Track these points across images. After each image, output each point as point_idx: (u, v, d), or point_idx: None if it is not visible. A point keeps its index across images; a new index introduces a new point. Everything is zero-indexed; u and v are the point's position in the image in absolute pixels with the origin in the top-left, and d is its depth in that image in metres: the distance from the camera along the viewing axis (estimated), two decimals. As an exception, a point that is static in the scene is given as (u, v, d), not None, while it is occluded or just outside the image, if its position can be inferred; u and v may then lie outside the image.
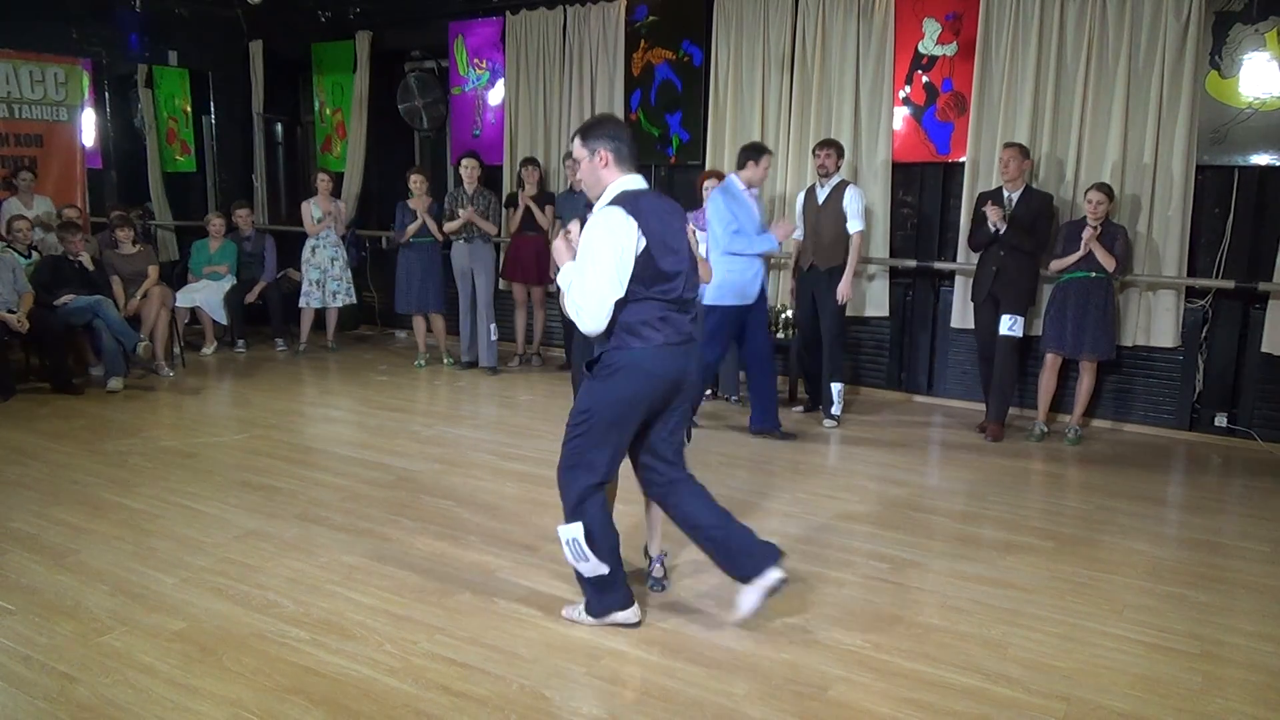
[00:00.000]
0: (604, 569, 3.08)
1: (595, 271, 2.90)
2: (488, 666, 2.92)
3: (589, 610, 3.20)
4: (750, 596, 3.11)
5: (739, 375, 6.69)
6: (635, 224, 2.91)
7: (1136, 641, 3.17)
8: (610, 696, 2.78)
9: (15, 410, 6.02)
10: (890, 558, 3.84)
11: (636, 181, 3.06)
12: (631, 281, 2.94)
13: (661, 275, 2.97)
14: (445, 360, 7.64)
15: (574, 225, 3.16)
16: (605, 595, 3.16)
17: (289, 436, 5.54)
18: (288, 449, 5.28)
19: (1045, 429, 5.71)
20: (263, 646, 3.02)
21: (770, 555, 3.10)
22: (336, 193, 9.08)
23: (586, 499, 3.05)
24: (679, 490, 3.18)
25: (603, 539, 3.06)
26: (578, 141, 3.06)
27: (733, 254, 5.34)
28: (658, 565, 3.53)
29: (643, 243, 2.92)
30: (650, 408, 3.06)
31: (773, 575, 3.07)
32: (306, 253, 8.03)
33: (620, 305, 2.96)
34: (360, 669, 2.90)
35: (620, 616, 3.17)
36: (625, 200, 2.96)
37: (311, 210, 7.97)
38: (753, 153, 5.53)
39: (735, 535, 3.13)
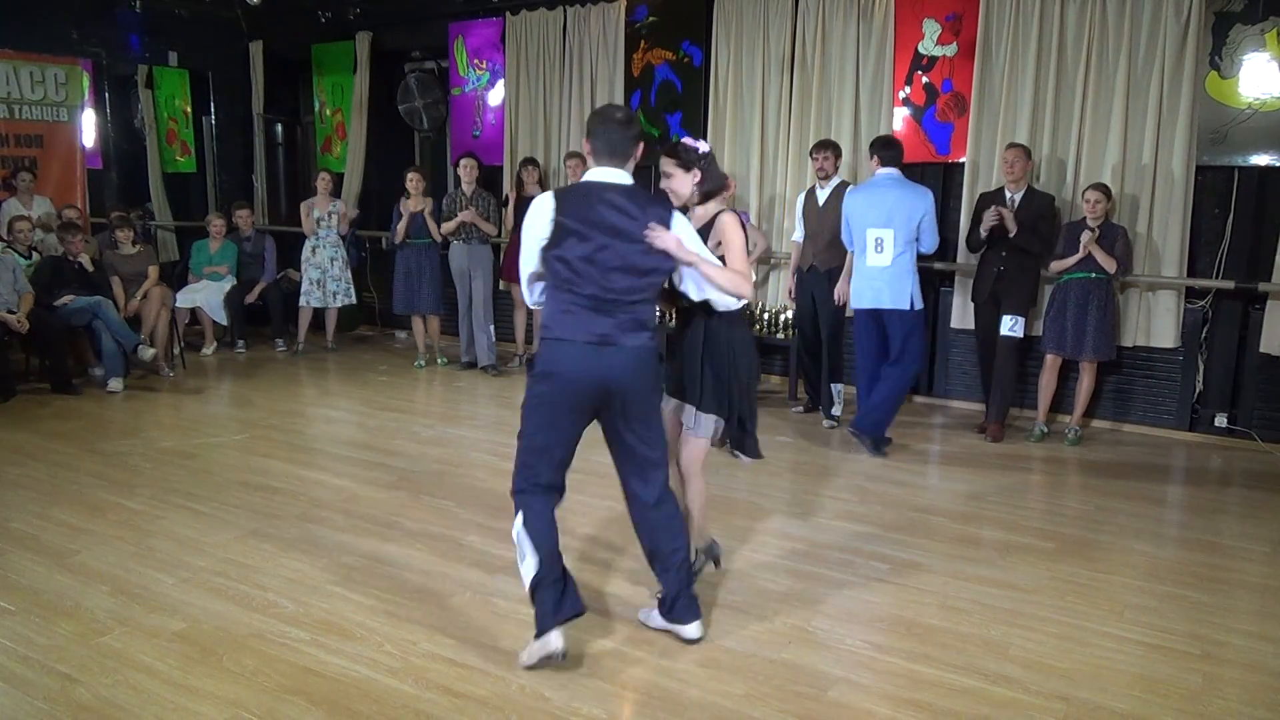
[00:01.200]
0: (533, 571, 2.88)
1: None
2: (488, 667, 2.92)
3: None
4: (656, 620, 3.15)
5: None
6: (552, 204, 2.89)
7: (1136, 642, 3.17)
8: (610, 697, 2.78)
9: (15, 411, 6.02)
10: (890, 558, 3.84)
11: (603, 174, 2.96)
12: (544, 265, 2.92)
13: (564, 262, 2.87)
14: (440, 360, 7.63)
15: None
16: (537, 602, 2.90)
17: (289, 437, 5.54)
18: (288, 449, 5.28)
19: (1045, 429, 5.70)
20: (262, 647, 3.02)
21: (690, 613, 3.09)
22: (336, 193, 9.09)
23: (520, 495, 2.94)
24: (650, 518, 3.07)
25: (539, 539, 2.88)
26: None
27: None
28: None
29: (551, 221, 2.86)
30: (572, 411, 2.91)
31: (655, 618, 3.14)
32: (306, 252, 8.01)
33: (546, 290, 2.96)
34: (360, 669, 2.90)
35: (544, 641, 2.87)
36: (567, 187, 3.02)
37: (312, 210, 7.95)
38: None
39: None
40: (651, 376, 3.01)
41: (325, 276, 8.00)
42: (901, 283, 5.21)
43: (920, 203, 5.23)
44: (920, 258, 6.37)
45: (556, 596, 2.86)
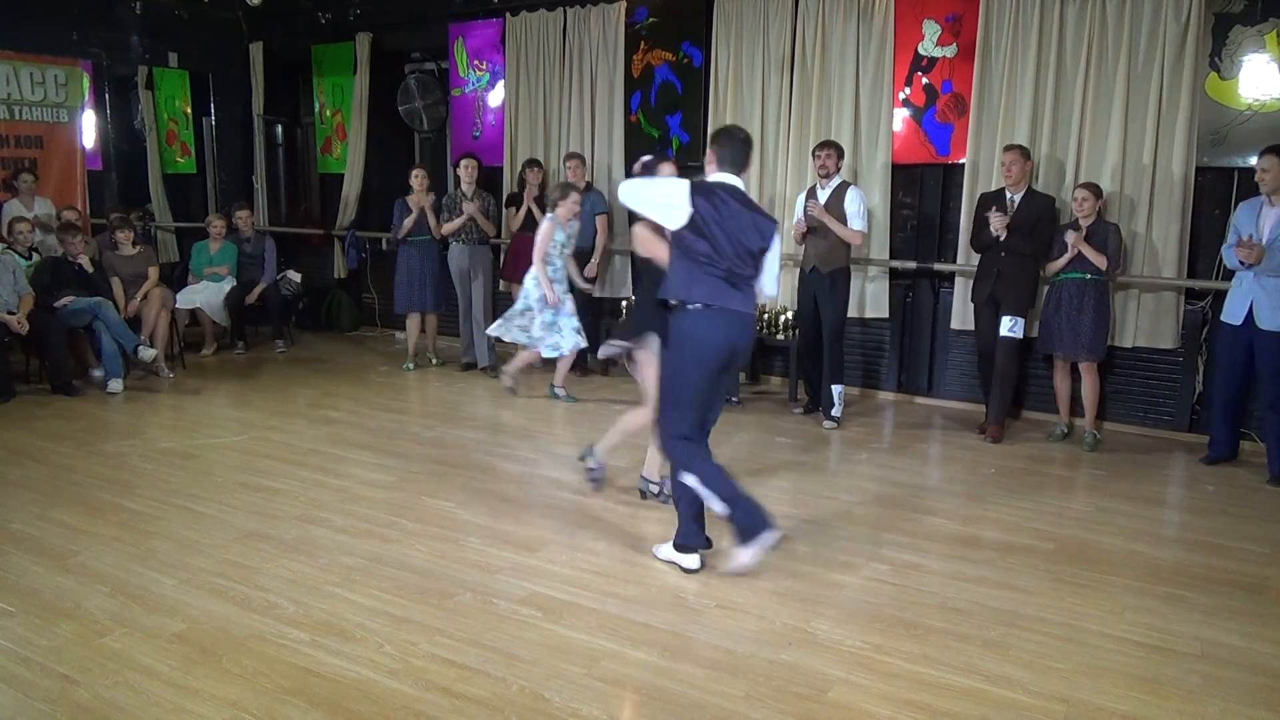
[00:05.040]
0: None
1: None
2: (487, 668, 2.92)
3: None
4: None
5: (738, 375, 6.69)
6: (688, 190, 3.53)
7: (1136, 643, 3.17)
8: (610, 698, 2.78)
9: (15, 412, 6.02)
10: (890, 559, 3.84)
11: (727, 178, 3.63)
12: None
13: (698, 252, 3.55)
14: (433, 361, 7.61)
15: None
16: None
17: (289, 438, 5.54)
18: (287, 450, 5.28)
19: (1067, 429, 5.71)
20: (262, 648, 3.03)
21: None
22: (336, 194, 9.09)
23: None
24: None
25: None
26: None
27: None
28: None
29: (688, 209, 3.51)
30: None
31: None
32: (538, 289, 6.14)
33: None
34: (360, 670, 2.90)
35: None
36: (702, 182, 3.61)
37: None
38: None
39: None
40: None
41: (557, 316, 6.22)
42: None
43: None
44: (919, 260, 6.45)
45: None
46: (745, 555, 3.51)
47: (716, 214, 3.51)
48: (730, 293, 3.54)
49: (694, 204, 3.50)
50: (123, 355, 6.64)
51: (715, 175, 3.65)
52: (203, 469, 4.91)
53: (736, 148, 3.66)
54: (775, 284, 3.74)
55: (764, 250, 3.60)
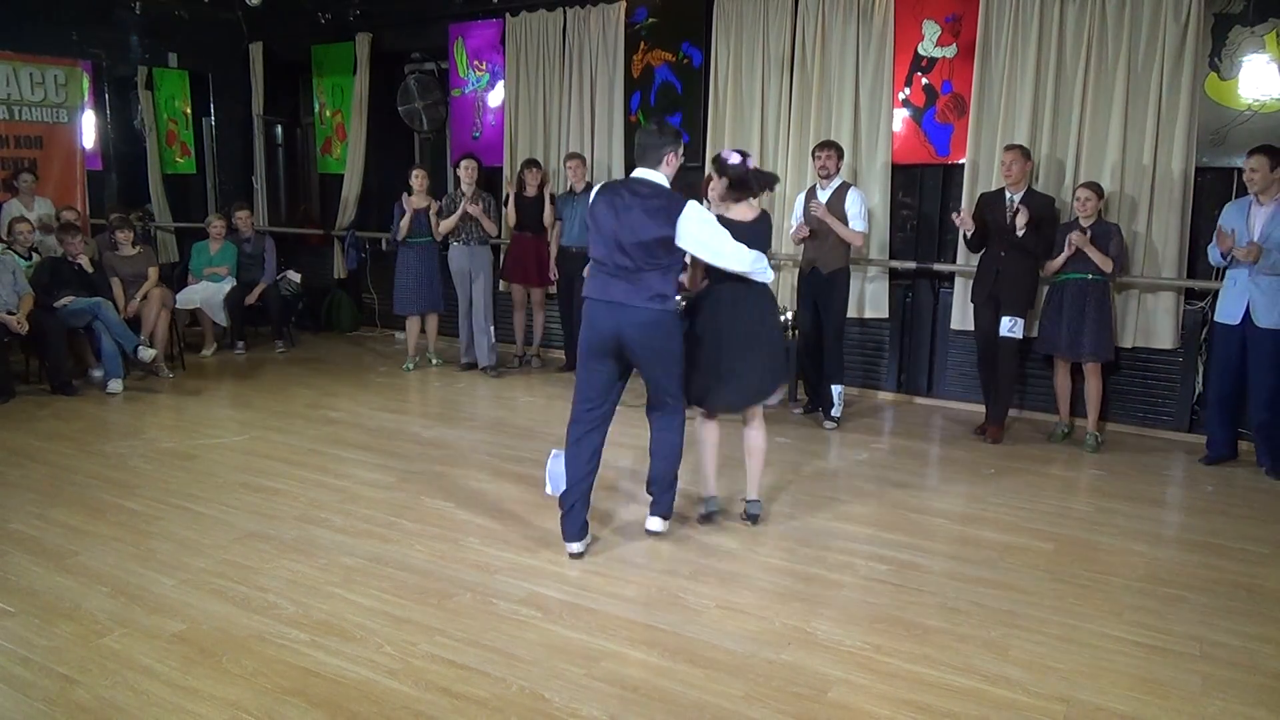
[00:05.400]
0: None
1: None
2: (487, 668, 2.92)
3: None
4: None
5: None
6: (595, 193, 3.79)
7: (1136, 643, 3.17)
8: (610, 698, 2.78)
9: (15, 412, 6.02)
10: (890, 559, 3.85)
11: (640, 173, 3.75)
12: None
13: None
14: (434, 361, 7.61)
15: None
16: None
17: (288, 438, 5.54)
18: (287, 450, 5.28)
19: (1067, 429, 5.71)
20: (262, 648, 3.03)
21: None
22: (336, 194, 9.09)
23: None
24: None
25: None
26: None
27: None
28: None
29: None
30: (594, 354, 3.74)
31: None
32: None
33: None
34: (360, 670, 2.90)
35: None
36: (610, 182, 3.84)
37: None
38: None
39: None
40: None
41: None
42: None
43: None
44: (919, 260, 6.46)
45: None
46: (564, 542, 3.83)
47: (608, 210, 3.66)
48: (611, 285, 3.65)
49: (591, 204, 3.73)
50: (122, 355, 6.63)
51: (635, 171, 3.79)
52: (203, 469, 4.91)
53: (644, 138, 3.77)
54: (733, 259, 3.72)
55: (663, 239, 3.61)
